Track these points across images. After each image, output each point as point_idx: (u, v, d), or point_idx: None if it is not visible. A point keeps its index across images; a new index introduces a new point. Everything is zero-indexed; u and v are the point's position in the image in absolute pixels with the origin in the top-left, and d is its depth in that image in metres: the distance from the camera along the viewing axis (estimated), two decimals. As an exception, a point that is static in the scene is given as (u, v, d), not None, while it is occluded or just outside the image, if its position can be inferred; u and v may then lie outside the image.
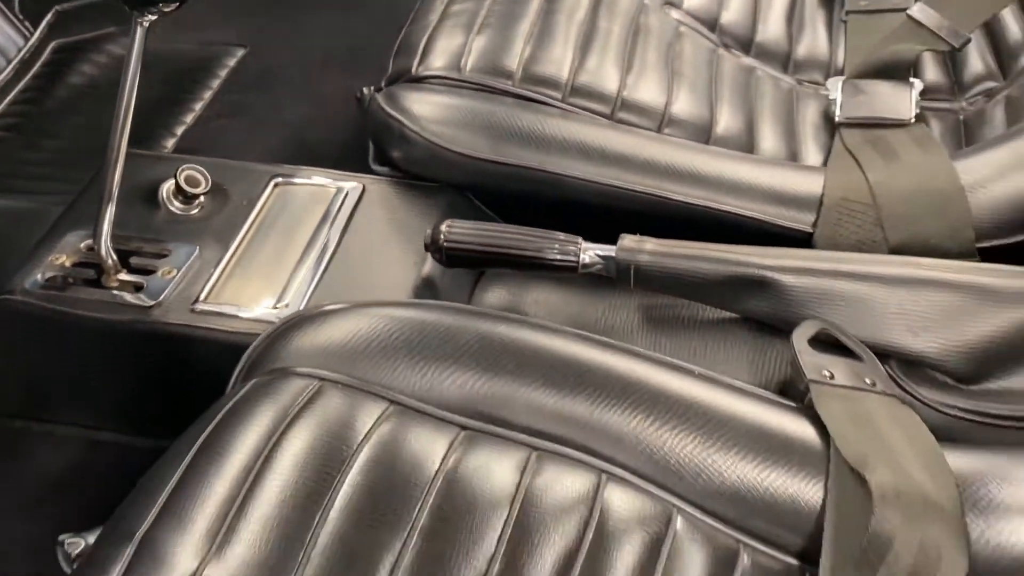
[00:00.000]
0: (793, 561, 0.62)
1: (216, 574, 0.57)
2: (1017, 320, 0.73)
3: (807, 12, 1.15)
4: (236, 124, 1.21)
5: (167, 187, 0.95)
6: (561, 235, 0.82)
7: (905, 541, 0.58)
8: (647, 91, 0.99)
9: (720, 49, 1.09)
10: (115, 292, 0.88)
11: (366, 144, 1.03)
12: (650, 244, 0.80)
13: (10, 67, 1.25)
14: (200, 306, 0.86)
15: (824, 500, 0.62)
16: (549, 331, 0.72)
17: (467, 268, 0.88)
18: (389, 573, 0.58)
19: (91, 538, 0.63)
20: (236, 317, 0.85)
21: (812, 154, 0.98)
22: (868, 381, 0.70)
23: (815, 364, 0.70)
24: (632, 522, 0.61)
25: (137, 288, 0.88)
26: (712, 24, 1.11)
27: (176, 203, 0.95)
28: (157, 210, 0.95)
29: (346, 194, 0.97)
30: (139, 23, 0.87)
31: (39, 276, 0.90)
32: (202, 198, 0.95)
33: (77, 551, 0.64)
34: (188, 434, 0.65)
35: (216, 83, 1.28)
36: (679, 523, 0.62)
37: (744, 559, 0.61)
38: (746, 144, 0.98)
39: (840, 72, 1.07)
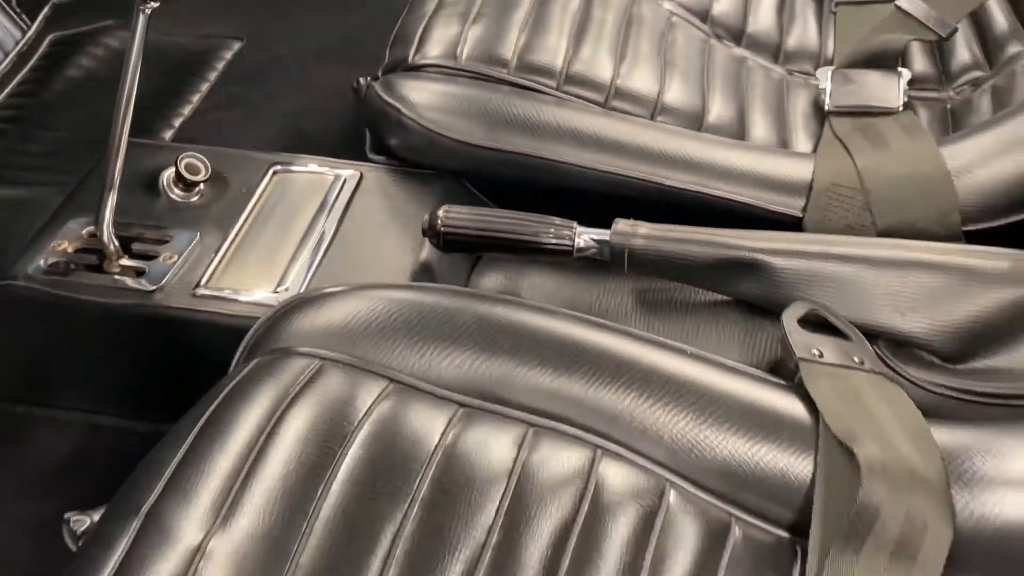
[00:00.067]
0: (783, 534, 0.63)
1: (221, 546, 0.58)
2: (1001, 300, 0.74)
3: (797, 4, 1.16)
4: (233, 116, 1.21)
5: (167, 175, 0.96)
6: (556, 220, 0.83)
7: (892, 512, 0.59)
8: (640, 80, 1.00)
9: (712, 40, 1.10)
10: (117, 277, 0.89)
11: (362, 134, 1.05)
12: (644, 228, 0.81)
13: (7, 60, 1.25)
14: (201, 291, 0.87)
15: (813, 474, 0.63)
16: (545, 312, 0.73)
17: (464, 253, 0.89)
18: (391, 543, 0.59)
19: (96, 516, 0.64)
20: (237, 301, 0.86)
21: (802, 142, 0.99)
22: (856, 360, 0.72)
23: (805, 343, 0.72)
24: (626, 496, 0.63)
25: (139, 273, 0.89)
26: (704, 15, 1.12)
27: (176, 191, 0.96)
28: (158, 197, 0.96)
29: (344, 181, 0.98)
30: (141, 10, 0.88)
31: (41, 262, 0.91)
32: (202, 186, 0.96)
33: (83, 528, 0.65)
34: (192, 412, 0.66)
35: (213, 75, 1.28)
36: (672, 497, 0.63)
37: (735, 532, 0.62)
38: (737, 132, 0.99)
39: (830, 62, 1.08)
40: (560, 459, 0.64)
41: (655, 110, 0.99)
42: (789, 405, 0.68)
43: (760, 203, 0.89)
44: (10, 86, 1.24)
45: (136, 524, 0.59)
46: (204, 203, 0.96)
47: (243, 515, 0.60)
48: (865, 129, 0.95)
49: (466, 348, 0.69)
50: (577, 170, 0.92)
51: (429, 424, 0.65)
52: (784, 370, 0.72)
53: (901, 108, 0.98)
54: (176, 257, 0.90)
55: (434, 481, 0.62)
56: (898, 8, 1.06)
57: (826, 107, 1.00)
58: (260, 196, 0.96)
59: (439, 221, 0.84)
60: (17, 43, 1.27)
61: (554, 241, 0.83)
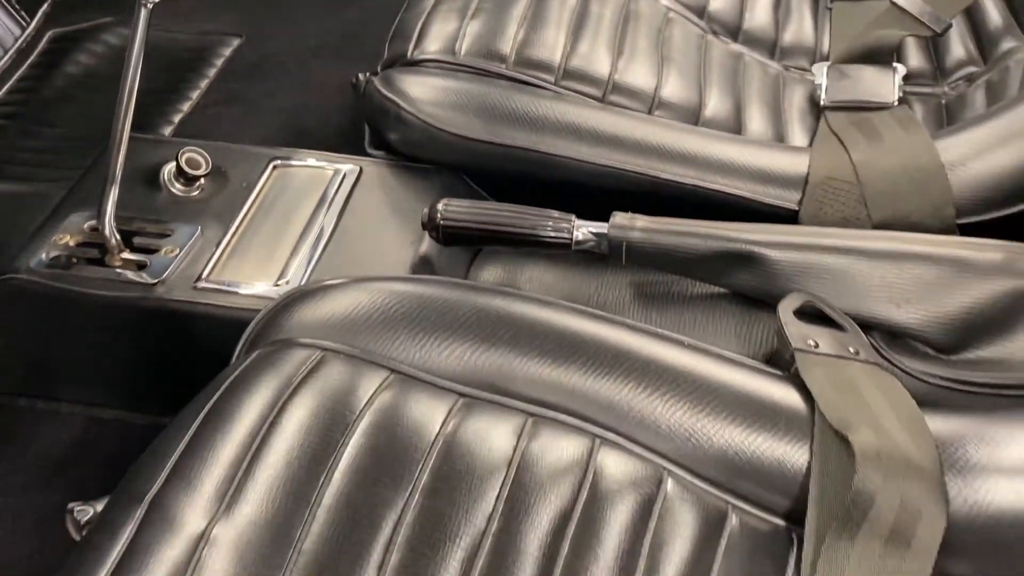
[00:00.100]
0: (780, 522, 0.64)
1: (224, 533, 0.59)
2: (994, 292, 0.75)
3: (793, 0, 1.17)
4: (232, 111, 1.22)
5: (168, 169, 0.97)
6: (555, 213, 0.84)
7: (887, 499, 0.60)
8: (638, 75, 1.01)
9: (709, 35, 1.11)
10: (119, 270, 0.90)
11: (361, 130, 1.05)
12: (641, 221, 0.82)
13: (7, 56, 1.26)
14: (202, 284, 0.88)
15: (809, 463, 0.64)
16: (543, 304, 0.74)
17: (464, 246, 0.90)
18: (392, 530, 0.60)
19: (100, 506, 0.65)
20: (238, 294, 0.87)
21: (798, 136, 1.00)
22: (852, 350, 0.72)
23: (800, 334, 0.73)
24: (624, 484, 0.63)
25: (140, 267, 0.90)
26: (700, 11, 1.13)
27: (177, 185, 0.97)
28: (159, 192, 0.96)
29: (343, 176, 0.98)
30: (143, 4, 0.89)
31: (43, 256, 0.91)
32: (203, 180, 0.97)
33: (86, 518, 0.65)
34: (195, 402, 0.67)
35: (212, 72, 1.29)
36: (670, 485, 0.64)
37: (732, 520, 0.63)
38: (734, 127, 1.00)
39: (825, 58, 1.09)
40: (559, 448, 0.65)
41: (652, 105, 0.99)
42: (785, 395, 0.68)
43: (756, 196, 0.90)
44: (10, 82, 1.24)
45: (140, 512, 0.60)
46: (205, 197, 0.96)
47: (246, 502, 0.60)
48: (860, 123, 0.96)
49: (466, 339, 0.70)
50: (575, 164, 0.92)
51: (430, 414, 0.66)
52: (780, 361, 0.73)
53: (896, 103, 0.98)
54: (177, 251, 0.91)
55: (435, 469, 0.63)
56: (893, 4, 1.07)
57: (822, 102, 1.01)
58: (260, 190, 0.97)
59: (438, 215, 0.85)
60: (17, 39, 1.28)
61: (552, 234, 0.83)
